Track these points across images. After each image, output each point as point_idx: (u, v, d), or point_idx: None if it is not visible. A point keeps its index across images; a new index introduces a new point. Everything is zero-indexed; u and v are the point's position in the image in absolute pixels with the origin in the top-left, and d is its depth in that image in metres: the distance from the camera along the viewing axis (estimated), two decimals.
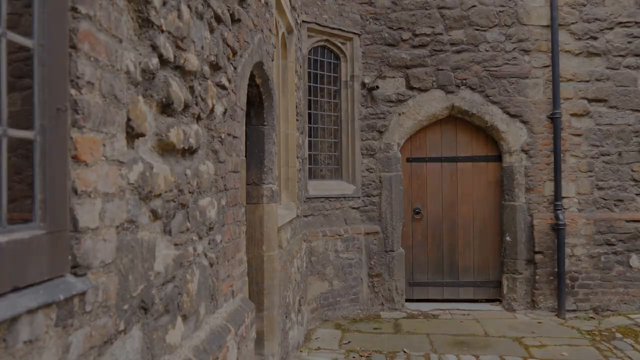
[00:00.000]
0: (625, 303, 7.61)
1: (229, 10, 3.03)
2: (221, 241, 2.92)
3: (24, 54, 1.26)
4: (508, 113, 7.85)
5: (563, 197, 7.73)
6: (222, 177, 2.94)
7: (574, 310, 7.54)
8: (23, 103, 1.29)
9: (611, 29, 7.78)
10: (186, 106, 2.30)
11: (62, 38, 1.34)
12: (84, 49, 1.43)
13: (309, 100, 7.77)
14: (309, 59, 7.74)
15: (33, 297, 1.19)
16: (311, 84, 7.81)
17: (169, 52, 2.07)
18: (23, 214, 1.28)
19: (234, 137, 3.24)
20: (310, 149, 7.79)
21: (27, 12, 1.26)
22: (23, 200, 1.29)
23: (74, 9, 1.39)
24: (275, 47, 5.06)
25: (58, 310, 1.30)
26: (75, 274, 1.40)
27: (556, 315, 7.52)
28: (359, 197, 8.04)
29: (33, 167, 1.26)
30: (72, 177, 1.39)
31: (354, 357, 5.87)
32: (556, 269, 7.59)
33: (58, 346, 1.31)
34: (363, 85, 8.05)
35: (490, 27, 7.85)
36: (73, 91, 1.39)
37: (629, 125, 7.79)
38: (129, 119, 1.74)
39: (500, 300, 8.08)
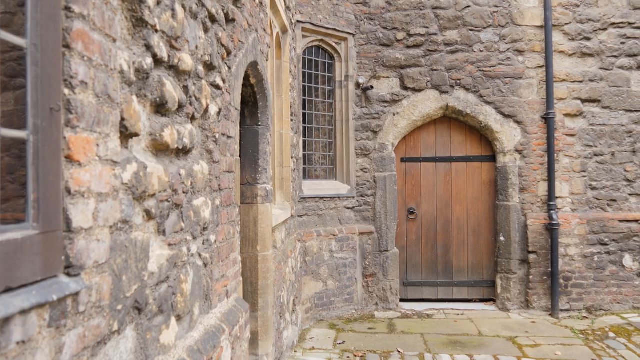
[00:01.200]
0: (619, 303, 7.65)
1: (223, 10, 3.03)
2: (215, 241, 2.91)
3: (17, 54, 1.26)
4: (502, 113, 7.88)
5: (557, 197, 7.76)
6: (216, 177, 2.93)
7: (567, 310, 7.57)
8: (16, 103, 1.28)
9: (604, 29, 7.82)
10: (180, 106, 2.29)
11: (55, 37, 1.33)
12: (77, 49, 1.42)
13: (304, 100, 7.77)
14: (304, 58, 7.74)
15: (26, 297, 1.18)
16: (306, 84, 7.81)
17: (163, 51, 2.06)
18: (16, 214, 1.28)
19: (228, 137, 3.23)
20: (304, 149, 7.79)
21: (21, 11, 1.25)
22: (16, 200, 1.28)
23: (68, 8, 1.38)
24: (269, 47, 5.06)
25: (51, 311, 1.29)
26: (68, 274, 1.39)
27: (550, 314, 7.55)
28: (353, 197, 8.05)
29: (26, 167, 1.26)
30: (65, 177, 1.38)
31: (348, 357, 5.87)
32: (550, 269, 7.62)
33: (51, 347, 1.30)
34: (357, 85, 8.06)
35: (485, 28, 7.87)
36: (66, 91, 1.38)
37: (622, 125, 7.84)
38: (122, 119, 1.73)
39: (494, 300, 8.11)
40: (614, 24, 7.82)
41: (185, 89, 2.38)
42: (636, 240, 7.70)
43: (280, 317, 5.32)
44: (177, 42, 2.24)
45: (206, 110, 2.71)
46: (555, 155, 7.77)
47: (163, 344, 2.08)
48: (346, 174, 8.10)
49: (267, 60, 4.69)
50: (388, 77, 8.05)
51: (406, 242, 8.27)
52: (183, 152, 2.37)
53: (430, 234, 8.27)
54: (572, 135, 7.84)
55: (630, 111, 7.85)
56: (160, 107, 2.07)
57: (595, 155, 7.84)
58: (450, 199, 8.23)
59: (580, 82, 7.83)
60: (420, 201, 8.27)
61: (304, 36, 7.58)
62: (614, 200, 7.82)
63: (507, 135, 7.88)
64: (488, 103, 7.90)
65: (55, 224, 1.33)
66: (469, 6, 7.88)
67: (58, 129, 1.35)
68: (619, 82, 7.84)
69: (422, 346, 6.22)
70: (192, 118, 2.49)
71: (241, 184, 4.34)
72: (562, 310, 7.54)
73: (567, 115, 7.83)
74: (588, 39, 7.82)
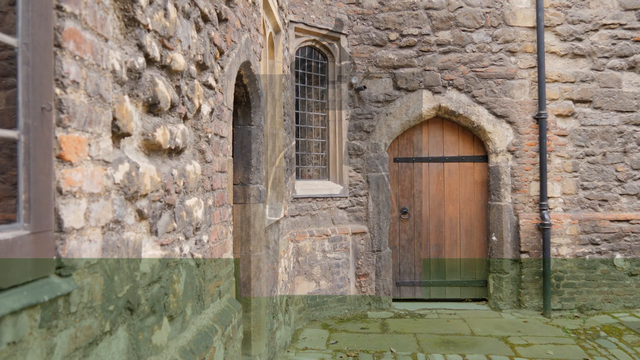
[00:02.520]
0: (610, 302, 7.70)
1: (216, 10, 3.02)
2: (208, 241, 2.90)
3: (8, 53, 1.25)
4: (494, 114, 7.91)
5: (548, 197, 7.80)
6: (208, 177, 2.93)
7: (559, 309, 7.61)
8: (7, 102, 1.27)
9: (596, 30, 7.87)
10: (173, 106, 2.29)
11: (46, 37, 1.33)
12: (69, 48, 1.42)
13: (296, 100, 7.77)
14: (297, 59, 7.74)
15: (17, 298, 1.17)
16: (298, 84, 7.81)
17: (155, 51, 2.06)
18: (7, 214, 1.27)
19: (221, 136, 3.23)
20: (297, 149, 7.79)
21: (12, 10, 1.25)
22: (7, 201, 1.28)
23: (59, 8, 1.37)
24: (262, 47, 5.05)
25: (42, 312, 1.29)
26: (59, 275, 1.39)
27: (542, 314, 7.59)
28: (346, 197, 8.05)
29: (17, 167, 1.25)
30: (56, 177, 1.38)
31: (341, 357, 5.88)
32: (542, 269, 7.66)
33: (42, 347, 1.29)
34: (350, 85, 8.07)
35: (477, 28, 7.90)
36: (58, 90, 1.37)
37: (613, 126, 7.88)
38: (114, 119, 1.73)
39: (486, 300, 8.14)
40: (605, 25, 7.86)
41: (178, 88, 2.37)
42: (627, 240, 7.75)
43: (273, 317, 5.32)
44: (170, 42, 2.23)
45: (199, 110, 2.71)
46: (547, 155, 7.81)
47: (155, 344, 2.07)
48: (339, 174, 8.10)
49: (259, 60, 4.69)
50: (381, 77, 8.06)
51: (399, 242, 8.29)
52: (175, 152, 2.36)
53: (423, 234, 8.29)
54: (564, 136, 7.88)
55: (621, 112, 7.90)
56: (152, 107, 2.07)
57: (587, 155, 7.89)
58: (442, 199, 8.26)
59: (572, 82, 7.88)
60: (413, 201, 8.29)
61: (296, 36, 7.57)
62: (605, 200, 7.87)
63: (500, 136, 7.91)
64: (480, 103, 7.93)
65: (46, 224, 1.33)
66: (461, 7, 7.91)
67: (49, 128, 1.34)
68: (610, 82, 7.89)
69: (414, 346, 6.23)
70: (185, 118, 2.48)
71: (234, 184, 4.34)
72: (553, 310, 7.58)
73: (559, 115, 7.88)
74: (580, 39, 7.87)
